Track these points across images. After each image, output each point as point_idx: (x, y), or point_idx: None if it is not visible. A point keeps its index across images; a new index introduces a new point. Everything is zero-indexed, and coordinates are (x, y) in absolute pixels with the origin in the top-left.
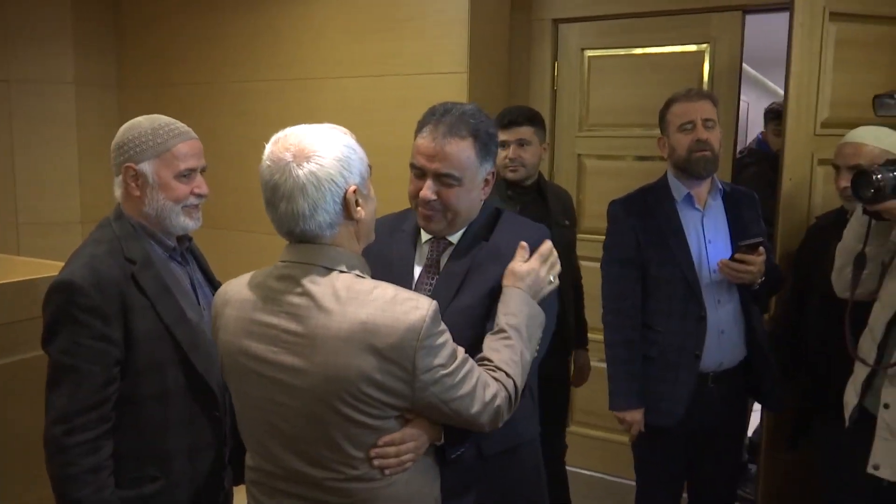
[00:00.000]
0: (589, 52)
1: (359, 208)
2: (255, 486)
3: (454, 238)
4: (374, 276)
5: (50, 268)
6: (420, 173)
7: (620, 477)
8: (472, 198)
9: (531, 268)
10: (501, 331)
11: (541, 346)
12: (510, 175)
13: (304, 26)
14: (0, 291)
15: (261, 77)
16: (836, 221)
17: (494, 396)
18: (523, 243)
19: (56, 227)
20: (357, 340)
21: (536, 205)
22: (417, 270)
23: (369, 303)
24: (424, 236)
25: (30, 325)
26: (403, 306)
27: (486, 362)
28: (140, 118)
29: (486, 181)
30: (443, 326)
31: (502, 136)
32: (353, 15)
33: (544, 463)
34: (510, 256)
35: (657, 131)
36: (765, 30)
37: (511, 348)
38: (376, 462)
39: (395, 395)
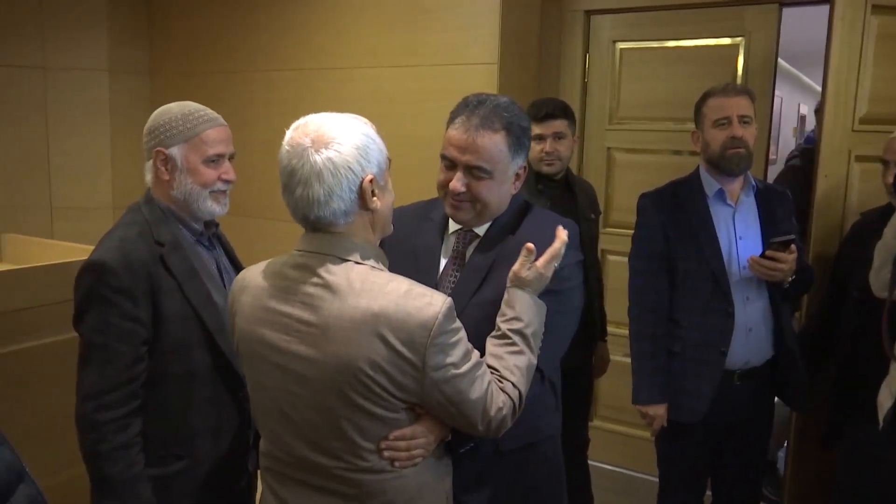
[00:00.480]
0: (621, 45)
1: (374, 198)
2: (268, 472)
3: (481, 230)
4: (399, 264)
5: (82, 251)
6: (450, 164)
7: (643, 473)
8: (502, 191)
9: (539, 273)
10: (505, 336)
11: (565, 342)
12: (546, 169)
13: (334, 15)
14: (34, 274)
15: (290, 66)
16: (881, 218)
17: (501, 407)
18: (529, 245)
19: (88, 211)
20: (368, 331)
21: (565, 198)
22: (443, 261)
23: (383, 295)
24: (452, 227)
25: (63, 307)
26: (417, 301)
27: (492, 370)
28: (171, 104)
29: (518, 175)
30: (457, 324)
31: (538, 130)
32: (382, 4)
33: (566, 456)
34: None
35: (689, 125)
36: (799, 24)
37: (516, 356)
38: (387, 454)
39: (404, 389)
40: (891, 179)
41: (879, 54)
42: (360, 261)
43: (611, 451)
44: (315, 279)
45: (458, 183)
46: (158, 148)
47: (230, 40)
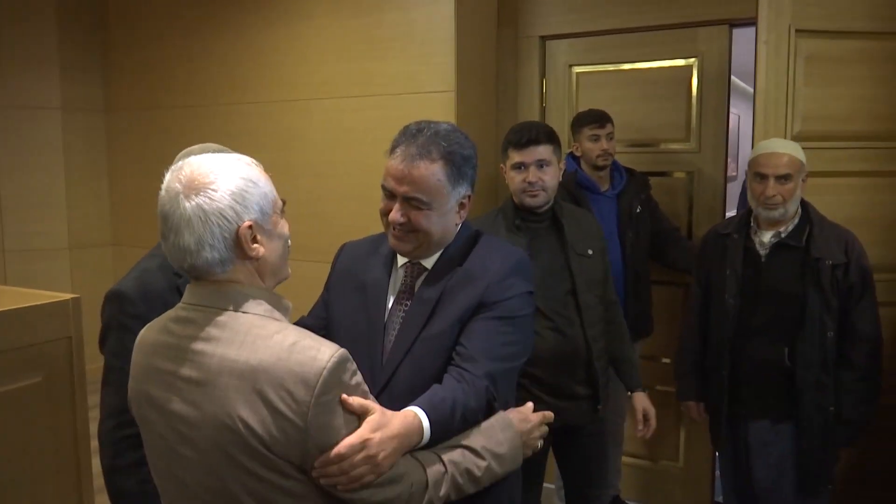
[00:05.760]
0: (577, 69)
1: (256, 245)
2: None
3: (429, 263)
4: (347, 300)
5: (35, 297)
6: (390, 195)
7: None
8: (444, 221)
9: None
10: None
11: (514, 373)
12: (529, 201)
13: (289, 47)
14: None
15: (247, 99)
16: (738, 229)
17: (403, 476)
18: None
19: (43, 253)
20: (246, 388)
21: (550, 235)
22: (391, 296)
23: (265, 348)
24: (400, 260)
25: (13, 355)
26: (301, 356)
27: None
28: (193, 147)
29: (462, 205)
30: (353, 381)
31: (518, 158)
32: (337, 35)
33: None
34: (482, 280)
35: (647, 147)
36: (752, 43)
37: (465, 460)
38: (322, 481)
39: (288, 454)
40: (771, 192)
41: (810, 74)
42: (247, 311)
43: None
44: (198, 333)
45: (396, 214)
46: None
47: (185, 74)
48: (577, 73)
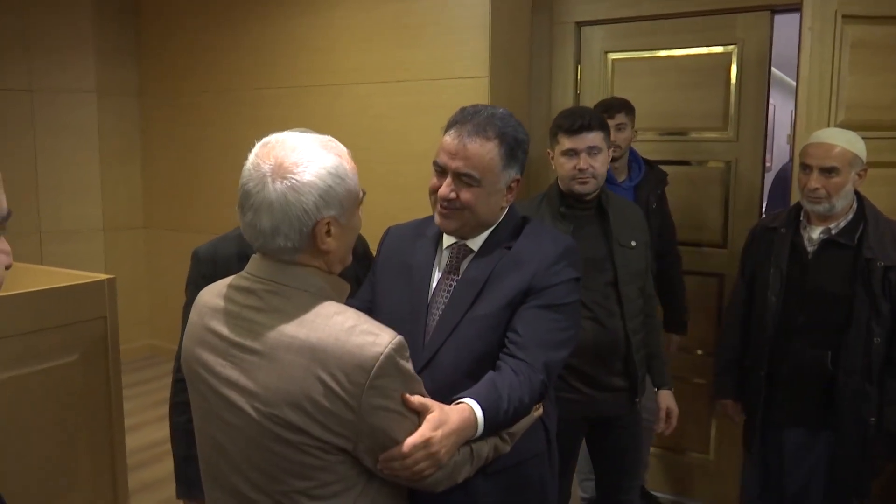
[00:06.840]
0: (612, 55)
1: (329, 239)
2: None
3: (475, 245)
4: (393, 282)
5: (72, 277)
6: (441, 170)
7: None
8: (491, 202)
9: None
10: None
11: (559, 359)
12: (579, 188)
13: (322, 33)
14: (19, 301)
15: (278, 84)
16: (787, 224)
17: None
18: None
19: (78, 234)
20: (303, 366)
21: (594, 224)
22: (437, 277)
23: (324, 329)
24: (446, 242)
25: (50, 333)
26: (359, 339)
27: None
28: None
29: (510, 188)
30: (407, 367)
31: (569, 144)
32: (370, 21)
33: None
34: (531, 265)
35: (683, 136)
36: (791, 32)
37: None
38: (385, 473)
39: (337, 434)
40: (814, 185)
41: (855, 62)
42: (308, 289)
43: None
44: (258, 305)
45: (446, 188)
46: None
47: (218, 59)
48: (613, 60)
